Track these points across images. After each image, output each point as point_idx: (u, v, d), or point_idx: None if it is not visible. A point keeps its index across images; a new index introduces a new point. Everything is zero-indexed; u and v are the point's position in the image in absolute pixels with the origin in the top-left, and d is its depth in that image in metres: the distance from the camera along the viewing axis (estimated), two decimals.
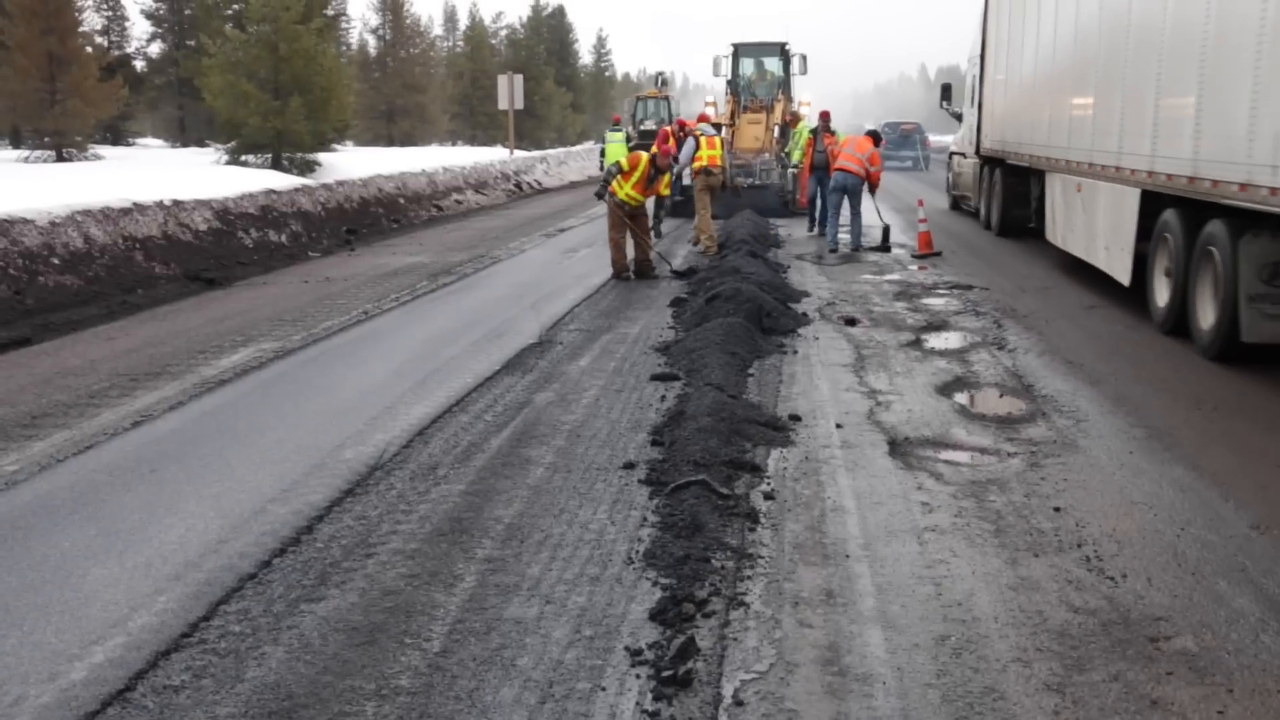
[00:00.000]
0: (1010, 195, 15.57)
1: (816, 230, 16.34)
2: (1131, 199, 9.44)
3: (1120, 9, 9.85)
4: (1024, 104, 14.29)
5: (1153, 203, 9.10)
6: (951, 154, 21.96)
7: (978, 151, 17.65)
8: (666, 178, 12.40)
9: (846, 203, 14.72)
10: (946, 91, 21.96)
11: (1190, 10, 8.06)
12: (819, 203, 16.39)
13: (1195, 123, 8.02)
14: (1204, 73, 7.88)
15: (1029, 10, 13.73)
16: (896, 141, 36.72)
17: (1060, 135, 12.11)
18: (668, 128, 17.49)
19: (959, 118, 20.42)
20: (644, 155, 12.30)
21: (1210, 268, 7.91)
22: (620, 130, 24.92)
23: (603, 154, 24.93)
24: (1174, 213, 8.67)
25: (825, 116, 17.14)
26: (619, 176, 12.13)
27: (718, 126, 21.73)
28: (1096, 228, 10.73)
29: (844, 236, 15.10)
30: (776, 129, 20.93)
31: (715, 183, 14.79)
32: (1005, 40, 15.42)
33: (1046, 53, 12.92)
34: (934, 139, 41.65)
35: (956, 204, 20.87)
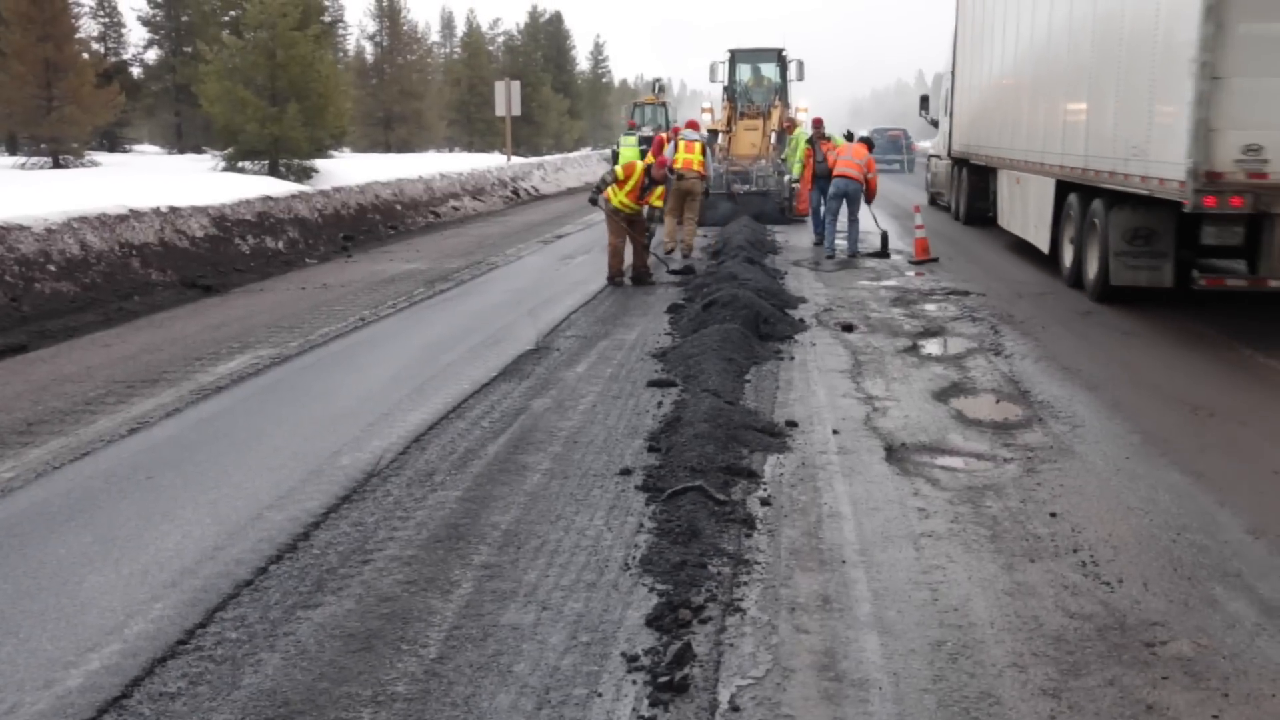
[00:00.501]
0: (974, 190, 18.29)
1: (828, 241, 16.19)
2: (1049, 187, 12.41)
3: (1041, 47, 13.08)
4: (983, 114, 16.87)
5: (1062, 189, 12.01)
6: (930, 156, 24.78)
7: (949, 154, 20.15)
8: (660, 189, 12.40)
9: (844, 208, 14.79)
10: (925, 101, 24.09)
11: (1082, 55, 11.29)
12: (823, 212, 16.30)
13: (1085, 130, 11.02)
14: (1090, 95, 10.97)
15: (984, 37, 16.55)
16: (885, 146, 39.77)
17: (1007, 139, 14.79)
18: (663, 134, 17.49)
19: (936, 124, 22.62)
20: (639, 165, 12.32)
21: (1095, 234, 10.64)
22: (634, 134, 24.88)
23: (616, 158, 24.95)
24: (1075, 195, 11.51)
25: (818, 124, 17.04)
26: (613, 184, 12.14)
27: (714, 133, 21.76)
28: (1029, 211, 13.73)
29: (840, 243, 15.12)
30: (773, 135, 20.91)
31: (687, 187, 14.63)
32: (969, 60, 18.04)
33: (997, 73, 15.77)
34: (919, 144, 43.12)
35: (934, 200, 23.06)
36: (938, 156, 22.50)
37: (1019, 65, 14.28)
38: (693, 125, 16.32)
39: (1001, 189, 15.67)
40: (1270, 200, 8.46)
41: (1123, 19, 10.03)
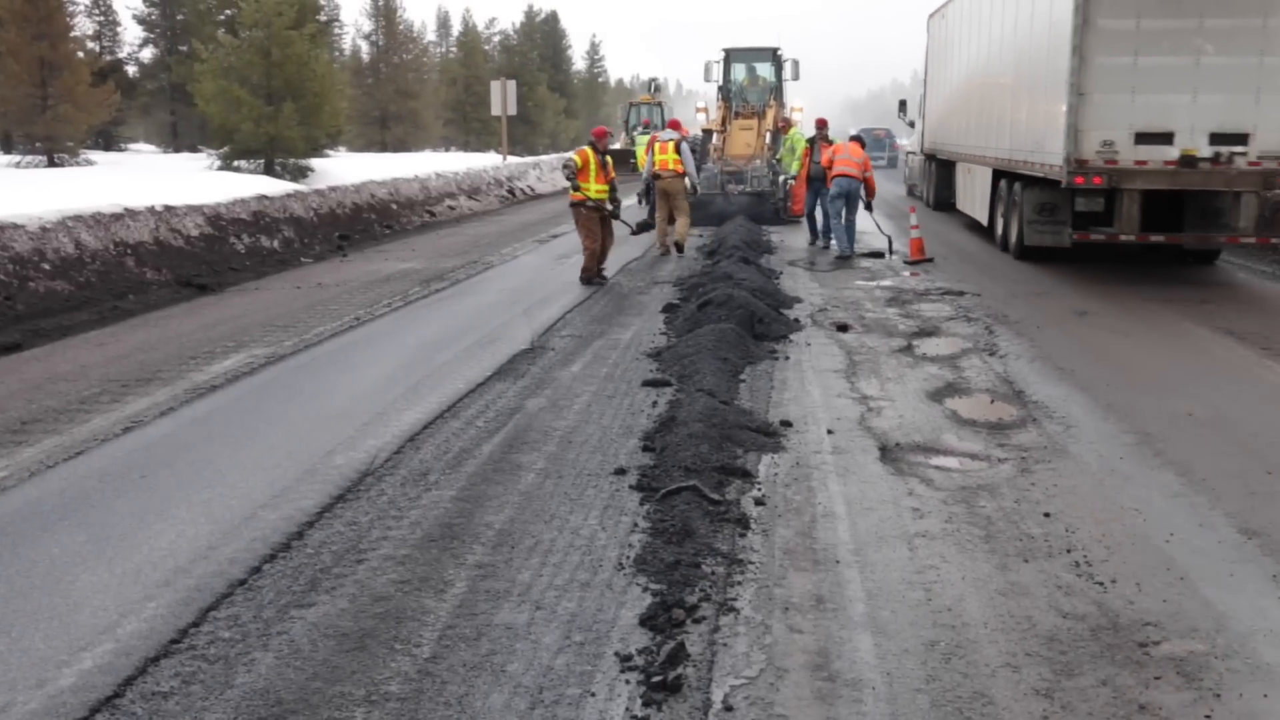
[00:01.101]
0: (940, 180, 21.45)
1: (822, 242, 16.01)
2: (988, 174, 16.02)
3: (983, 67, 16.96)
4: (946, 117, 20.48)
5: (996, 176, 15.53)
6: (907, 153, 28.96)
7: (922, 150, 23.70)
8: (609, 158, 12.47)
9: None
10: (903, 105, 27.60)
11: (1007, 75, 15.15)
12: (819, 214, 16.13)
13: (1010, 130, 14.64)
14: (1012, 104, 14.68)
15: (946, 56, 20.49)
16: (871, 144, 43.68)
17: (961, 138, 18.49)
18: (657, 133, 17.46)
19: (912, 125, 26.04)
20: (586, 149, 12.27)
21: (1016, 208, 14.04)
22: (648, 133, 24.84)
23: (633, 156, 25.15)
24: (1004, 180, 14.99)
25: (822, 125, 16.71)
26: (577, 178, 12.01)
27: (708, 133, 21.71)
28: (975, 194, 17.34)
29: (833, 242, 15.12)
30: (768, 135, 20.80)
31: (665, 187, 14.91)
32: (936, 73, 21.84)
33: (955, 85, 19.59)
34: (899, 143, 46.04)
35: (910, 190, 26.27)
36: (913, 153, 26.28)
37: (969, 79, 18.17)
38: (673, 125, 16.38)
39: (959, 178, 19.12)
40: (1119, 179, 11.93)
41: (1030, 51, 13.78)
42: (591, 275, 12.17)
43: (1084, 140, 11.87)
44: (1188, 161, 11.77)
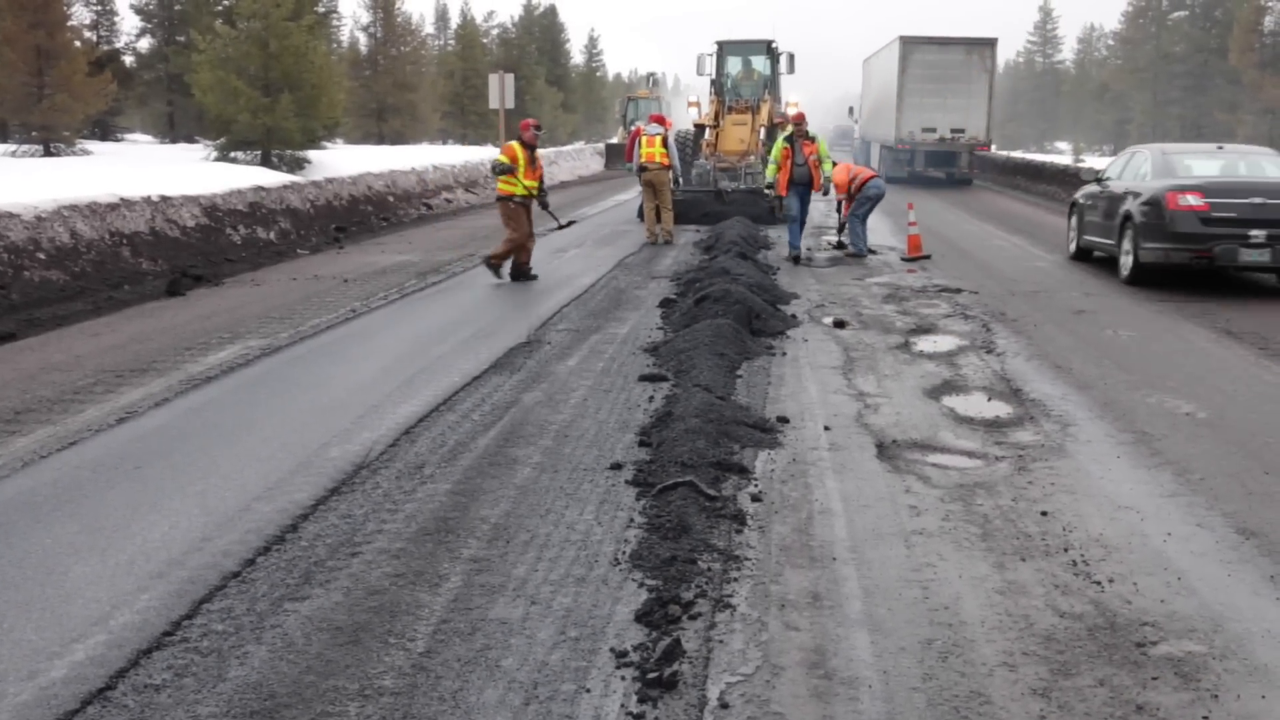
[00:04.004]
0: (866, 153, 36.90)
1: (790, 251, 14.29)
2: (878, 147, 34.93)
3: (875, 95, 36.58)
4: (868, 119, 38.20)
5: (880, 148, 34.44)
6: (856, 139, 46.52)
7: (860, 137, 41.34)
8: (537, 153, 12.36)
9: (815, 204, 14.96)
10: (851, 110, 43.97)
11: (880, 101, 34.97)
12: (803, 220, 14.58)
13: (881, 126, 34.39)
14: (882, 115, 34.28)
15: (868, 85, 38.48)
16: (839, 135, 58.52)
17: (872, 130, 36.91)
18: (639, 125, 17.44)
19: (857, 123, 43.39)
20: (514, 144, 12.15)
21: (884, 161, 32.86)
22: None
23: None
24: (881, 149, 34.18)
25: (800, 119, 14.53)
26: (509, 175, 11.90)
27: (700, 128, 21.49)
28: (874, 156, 35.00)
29: (830, 238, 15.10)
30: (762, 130, 19.99)
31: (652, 179, 15.64)
32: (865, 93, 39.66)
33: (870, 101, 37.89)
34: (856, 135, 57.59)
35: (855, 161, 40.49)
36: (859, 139, 43.17)
37: (873, 99, 36.33)
38: (657, 119, 16.53)
39: (871, 151, 35.90)
40: (914, 147, 31.36)
41: (885, 90, 32.66)
42: (523, 269, 12.04)
43: (901, 130, 30.33)
44: (942, 140, 30.26)
